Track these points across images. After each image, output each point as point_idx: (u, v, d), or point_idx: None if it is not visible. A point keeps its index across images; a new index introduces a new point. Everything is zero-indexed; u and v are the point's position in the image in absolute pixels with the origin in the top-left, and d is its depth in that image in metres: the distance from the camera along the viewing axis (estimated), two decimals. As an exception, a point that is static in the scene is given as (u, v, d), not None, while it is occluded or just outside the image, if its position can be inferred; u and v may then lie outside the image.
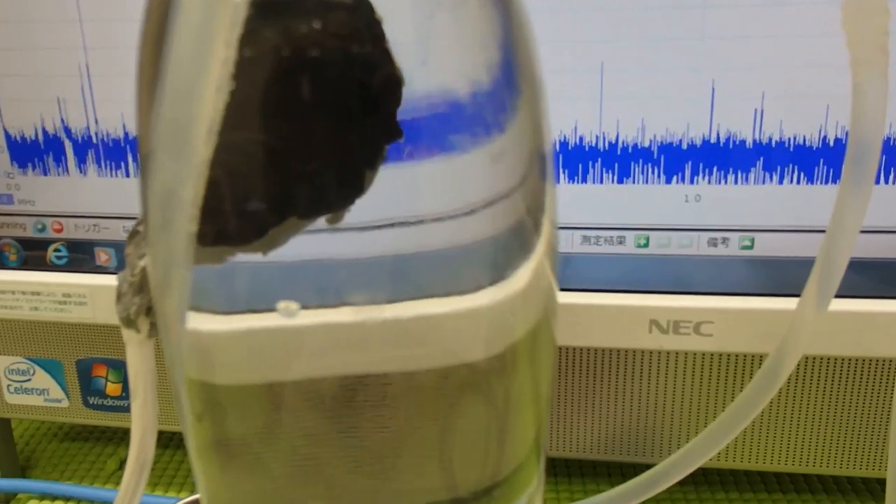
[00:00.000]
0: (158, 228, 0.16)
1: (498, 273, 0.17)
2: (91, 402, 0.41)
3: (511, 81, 0.17)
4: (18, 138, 0.35)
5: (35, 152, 0.36)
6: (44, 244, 0.38)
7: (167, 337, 0.18)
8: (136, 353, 0.23)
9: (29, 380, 0.41)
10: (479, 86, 0.16)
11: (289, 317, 0.16)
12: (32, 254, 0.38)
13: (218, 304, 0.17)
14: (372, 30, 0.15)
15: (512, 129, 0.17)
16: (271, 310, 0.16)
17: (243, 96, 0.14)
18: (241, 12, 0.14)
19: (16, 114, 0.35)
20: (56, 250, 0.38)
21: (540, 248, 0.18)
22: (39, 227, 0.37)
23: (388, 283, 0.16)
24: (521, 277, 0.17)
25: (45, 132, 0.35)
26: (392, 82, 0.15)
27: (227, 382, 0.18)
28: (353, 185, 0.16)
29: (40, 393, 0.41)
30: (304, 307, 0.16)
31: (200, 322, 0.17)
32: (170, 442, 0.46)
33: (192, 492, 0.31)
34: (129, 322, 0.22)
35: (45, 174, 0.36)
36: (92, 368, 0.40)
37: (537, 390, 0.20)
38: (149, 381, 0.24)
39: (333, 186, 0.16)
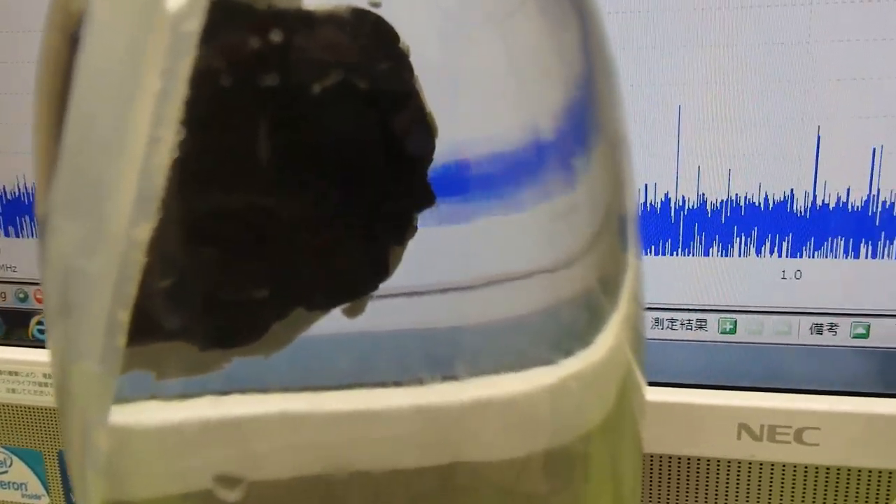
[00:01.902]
0: (55, 313, 0.12)
1: (555, 353, 0.14)
2: (73, 499, 0.36)
3: (582, 129, 0.14)
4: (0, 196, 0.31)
5: (16, 211, 0.31)
6: (26, 316, 0.33)
7: (69, 450, 0.13)
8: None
9: (6, 471, 0.36)
10: (540, 132, 0.13)
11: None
12: (13, 326, 0.33)
13: (163, 386, 0.13)
14: (395, 61, 0.12)
15: (580, 185, 0.14)
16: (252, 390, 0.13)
17: (217, 143, 0.11)
18: (188, 40, 0.11)
19: (-4, 166, 0.31)
20: (39, 323, 0.33)
21: (614, 326, 0.14)
22: (21, 296, 0.33)
23: (400, 362, 0.13)
24: (585, 360, 0.14)
25: (26, 189, 0.31)
26: (423, 132, 0.12)
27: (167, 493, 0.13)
28: (376, 266, 0.12)
29: (17, 487, 0.36)
30: (289, 388, 0.13)
31: (123, 414, 0.13)
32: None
33: None
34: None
35: (29, 237, 0.32)
36: (76, 461, 0.35)
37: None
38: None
39: (351, 269, 0.12)
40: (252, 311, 0.12)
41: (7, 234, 0.32)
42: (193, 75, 0.11)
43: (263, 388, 0.13)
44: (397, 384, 0.13)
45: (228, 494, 0.13)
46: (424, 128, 0.12)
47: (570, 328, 0.14)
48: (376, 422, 0.13)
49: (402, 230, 0.12)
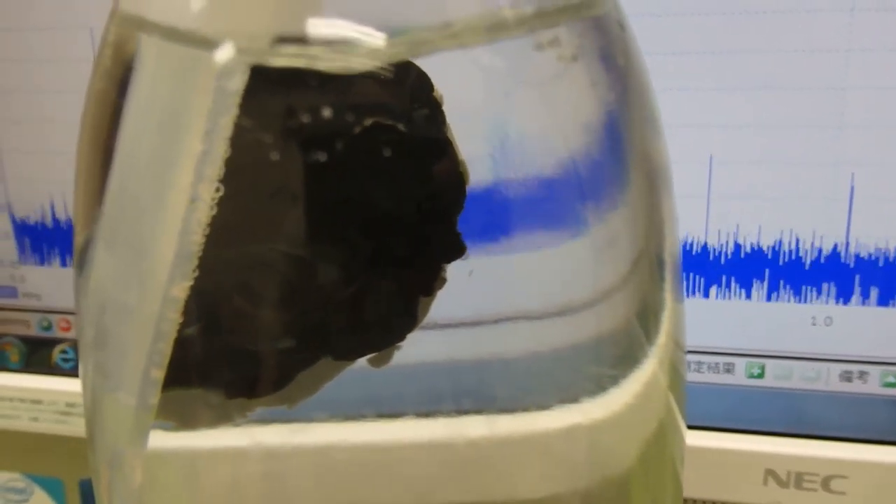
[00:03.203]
0: (89, 344, 0.12)
1: (588, 391, 0.13)
2: (94, 528, 0.36)
3: (619, 164, 0.14)
4: (26, 223, 0.31)
5: (43, 239, 0.31)
6: (49, 344, 0.33)
7: (97, 480, 0.14)
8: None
9: (27, 500, 0.36)
10: (571, 171, 0.13)
11: None
12: (36, 355, 0.33)
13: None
14: (429, 108, 0.12)
15: (616, 220, 0.13)
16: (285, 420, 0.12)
17: (251, 197, 0.11)
18: (229, 99, 0.11)
19: (23, 195, 0.31)
20: (63, 352, 0.33)
21: (651, 366, 0.14)
22: (45, 324, 0.33)
23: (430, 396, 0.13)
24: (620, 399, 0.14)
25: (54, 216, 0.31)
26: (455, 183, 0.12)
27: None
28: (403, 316, 0.12)
29: (38, 515, 0.36)
30: (318, 419, 0.13)
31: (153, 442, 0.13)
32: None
33: None
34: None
35: (55, 265, 0.32)
36: (96, 490, 0.35)
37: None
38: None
39: (378, 320, 0.12)
40: (278, 360, 0.12)
41: (31, 264, 0.32)
42: (232, 133, 0.11)
43: (293, 419, 0.13)
44: (427, 416, 0.13)
45: None
46: (456, 177, 0.12)
47: (604, 365, 0.14)
48: (404, 456, 0.13)
49: (431, 281, 0.12)
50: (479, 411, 0.13)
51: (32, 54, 0.29)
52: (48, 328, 0.33)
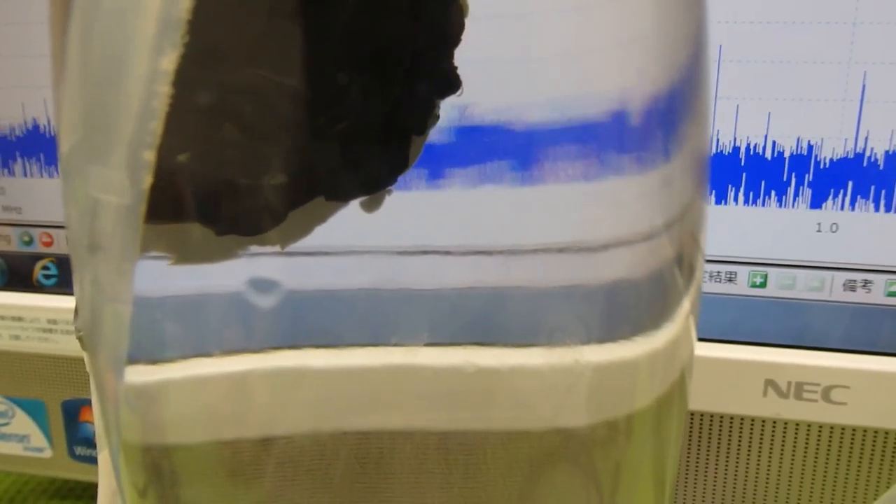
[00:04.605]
0: (84, 250, 0.12)
1: (637, 325, 0.13)
2: (78, 452, 0.35)
3: (687, 94, 0.13)
4: (3, 132, 0.30)
5: (23, 149, 0.30)
6: (30, 260, 0.32)
7: (101, 393, 0.13)
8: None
9: (7, 423, 0.35)
10: (647, 95, 0.13)
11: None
12: (17, 271, 0.32)
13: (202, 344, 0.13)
14: None
15: (679, 153, 0.13)
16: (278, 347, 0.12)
17: (243, 16, 0.11)
18: None
19: (0, 103, 0.30)
20: (44, 268, 0.32)
21: (691, 297, 0.14)
22: (26, 239, 0.32)
23: (487, 322, 0.13)
24: (666, 330, 0.14)
25: (35, 125, 0.30)
26: (453, 15, 0.11)
27: (196, 441, 0.13)
28: (395, 157, 0.12)
29: (20, 440, 0.35)
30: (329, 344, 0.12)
31: (150, 373, 0.13)
32: None
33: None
34: (84, 343, 0.16)
35: (35, 176, 0.31)
36: (80, 412, 0.34)
37: (659, 471, 0.14)
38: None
39: (371, 158, 0.12)
40: (269, 197, 0.11)
41: (12, 174, 0.31)
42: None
43: (300, 345, 0.12)
44: (480, 345, 0.13)
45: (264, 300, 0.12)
46: (455, 9, 0.11)
47: (639, 306, 0.14)
48: (413, 381, 0.13)
49: (424, 118, 0.12)
50: (520, 344, 0.13)
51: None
52: (29, 243, 0.32)
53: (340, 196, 0.12)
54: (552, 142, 0.12)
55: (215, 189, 0.11)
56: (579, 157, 0.12)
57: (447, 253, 0.12)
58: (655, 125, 0.13)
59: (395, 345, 0.12)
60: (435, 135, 0.12)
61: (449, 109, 0.11)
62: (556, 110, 0.12)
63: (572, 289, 0.13)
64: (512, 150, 0.12)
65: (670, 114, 0.13)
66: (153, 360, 0.13)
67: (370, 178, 0.12)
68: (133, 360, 0.13)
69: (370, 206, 0.12)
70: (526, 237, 0.12)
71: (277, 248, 0.12)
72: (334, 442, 0.13)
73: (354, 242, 0.12)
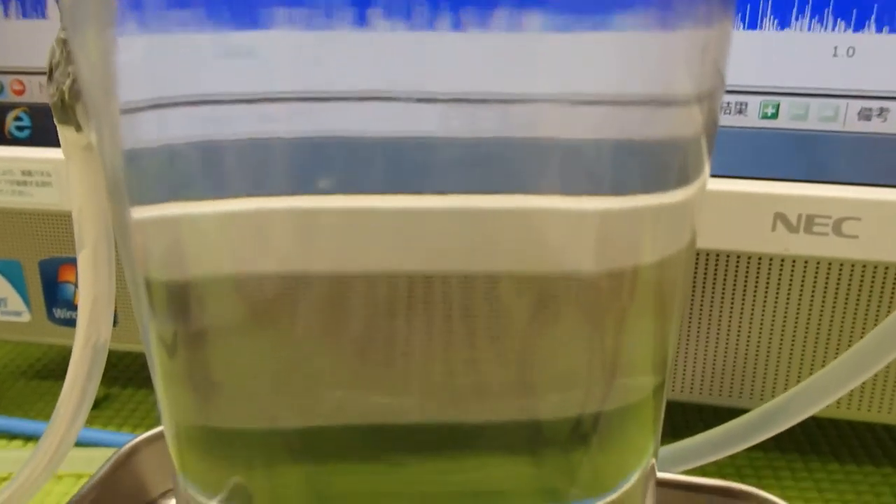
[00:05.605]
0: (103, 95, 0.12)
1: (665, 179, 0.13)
2: (57, 315, 0.34)
3: None
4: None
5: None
6: (1, 110, 0.30)
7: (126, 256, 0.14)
8: (79, 169, 0.16)
9: (-17, 286, 0.34)
10: None
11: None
12: (-13, 122, 0.31)
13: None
14: None
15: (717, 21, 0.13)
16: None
17: None
18: None
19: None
20: (17, 118, 0.30)
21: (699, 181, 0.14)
22: (-4, 86, 0.30)
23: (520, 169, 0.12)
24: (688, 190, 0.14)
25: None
26: None
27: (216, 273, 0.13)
28: None
29: (-4, 303, 0.34)
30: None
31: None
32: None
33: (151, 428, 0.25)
34: (65, 111, 0.15)
35: (4, 16, 0.29)
36: (59, 271, 0.33)
37: (664, 309, 0.15)
38: (100, 218, 0.17)
39: None
40: None
41: (-21, 14, 0.29)
42: None
43: (325, 192, 0.12)
44: (507, 193, 0.12)
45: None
46: None
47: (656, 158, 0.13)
48: (437, 223, 0.12)
49: None
50: (545, 192, 0.13)
51: None
52: (-1, 90, 0.30)
53: None
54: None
55: None
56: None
57: (466, 101, 0.12)
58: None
59: (413, 192, 0.12)
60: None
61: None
62: None
63: (596, 142, 0.13)
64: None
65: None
66: (178, 198, 0.13)
67: None
68: (156, 199, 0.13)
69: None
70: (550, 86, 0.12)
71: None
72: (352, 283, 0.13)
73: (376, 87, 0.11)
